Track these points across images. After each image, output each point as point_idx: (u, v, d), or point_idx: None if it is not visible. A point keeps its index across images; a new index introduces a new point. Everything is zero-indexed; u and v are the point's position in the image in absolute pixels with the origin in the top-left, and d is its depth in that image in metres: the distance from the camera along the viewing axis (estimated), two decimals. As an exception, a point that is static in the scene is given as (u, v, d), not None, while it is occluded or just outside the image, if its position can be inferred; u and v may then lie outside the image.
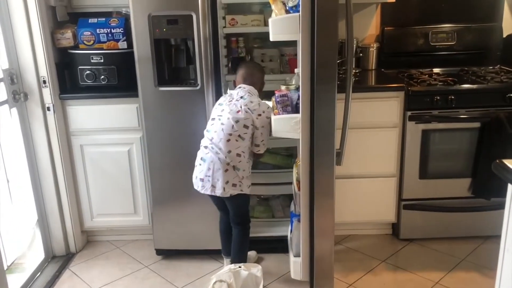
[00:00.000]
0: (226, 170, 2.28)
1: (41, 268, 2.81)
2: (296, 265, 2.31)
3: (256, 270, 2.17)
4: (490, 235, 2.94)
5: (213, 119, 2.35)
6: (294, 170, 2.43)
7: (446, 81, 2.81)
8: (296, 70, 2.37)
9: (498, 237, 2.87)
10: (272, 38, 2.12)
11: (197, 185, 2.37)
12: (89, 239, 3.12)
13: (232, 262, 2.45)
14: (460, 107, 2.72)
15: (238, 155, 2.28)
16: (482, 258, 2.77)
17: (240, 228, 2.48)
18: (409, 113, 2.75)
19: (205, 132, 2.37)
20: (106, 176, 2.89)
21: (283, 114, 2.16)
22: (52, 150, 2.79)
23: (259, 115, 2.30)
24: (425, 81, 2.84)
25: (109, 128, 2.82)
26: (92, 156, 2.87)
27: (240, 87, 2.41)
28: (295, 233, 2.33)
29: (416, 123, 2.76)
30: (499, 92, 2.71)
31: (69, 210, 2.90)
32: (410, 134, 2.78)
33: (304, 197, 2.20)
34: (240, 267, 2.18)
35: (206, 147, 2.32)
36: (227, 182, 2.29)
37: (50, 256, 2.94)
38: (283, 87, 2.22)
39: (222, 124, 2.28)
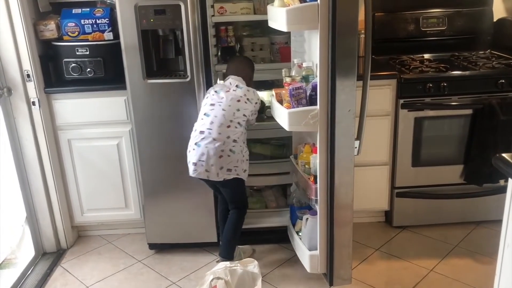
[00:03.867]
0: (221, 156, 2.29)
1: (31, 265, 2.76)
2: (313, 259, 2.29)
3: (253, 266, 2.13)
4: (481, 220, 2.96)
5: (213, 104, 2.35)
6: (299, 162, 2.39)
7: (438, 67, 2.78)
8: (295, 61, 2.33)
9: (490, 222, 2.93)
10: (287, 28, 2.09)
11: (190, 169, 2.36)
12: (80, 234, 3.07)
13: (222, 241, 2.50)
14: (452, 94, 2.71)
15: (235, 140, 2.32)
16: (474, 243, 2.79)
17: (236, 211, 2.51)
18: (401, 101, 2.73)
19: (203, 116, 2.36)
20: (96, 170, 2.83)
21: (298, 107, 2.11)
22: (39, 145, 2.72)
23: (256, 103, 2.43)
24: (417, 68, 2.81)
25: (97, 122, 2.75)
26: (81, 151, 2.80)
27: (231, 77, 2.44)
28: (308, 227, 2.31)
29: (408, 111, 2.74)
30: (491, 78, 2.70)
31: (59, 205, 2.84)
32: (403, 122, 2.76)
33: (322, 191, 2.19)
34: (237, 264, 2.15)
35: (202, 132, 2.32)
36: (221, 168, 2.31)
37: (41, 253, 2.89)
38: (288, 79, 2.17)
39: (223, 110, 2.32)
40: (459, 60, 2.98)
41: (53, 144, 2.77)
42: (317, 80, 2.08)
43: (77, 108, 2.72)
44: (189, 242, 2.82)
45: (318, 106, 2.06)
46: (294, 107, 2.11)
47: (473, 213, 2.94)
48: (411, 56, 3.07)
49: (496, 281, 1.48)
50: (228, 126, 2.31)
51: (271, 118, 2.94)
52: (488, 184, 2.84)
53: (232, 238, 2.50)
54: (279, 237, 2.83)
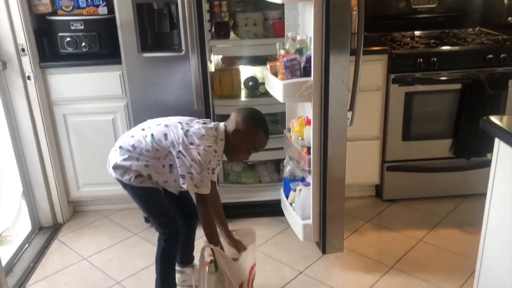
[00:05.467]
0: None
1: (28, 239, 2.80)
2: (306, 228, 2.35)
3: (250, 234, 2.18)
4: (469, 194, 3.04)
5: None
6: (293, 135, 2.44)
7: (428, 43, 2.84)
8: (289, 34, 2.36)
9: (477, 195, 3.02)
10: (281, 0, 2.16)
11: None
12: (76, 209, 3.11)
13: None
14: (442, 69, 2.76)
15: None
16: (462, 215, 2.87)
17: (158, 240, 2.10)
18: (392, 76, 2.78)
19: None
20: (91, 145, 2.86)
21: (292, 78, 2.14)
22: (35, 120, 2.73)
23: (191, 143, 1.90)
24: (407, 44, 2.87)
25: (92, 97, 2.77)
26: (76, 126, 2.83)
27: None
28: (301, 197, 2.36)
29: (399, 85, 2.79)
30: (479, 53, 2.75)
31: (55, 180, 2.87)
32: (394, 97, 2.81)
33: (316, 161, 2.23)
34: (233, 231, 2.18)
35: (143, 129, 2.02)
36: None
37: (37, 227, 2.92)
38: (282, 52, 2.21)
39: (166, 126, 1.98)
40: (449, 37, 3.04)
41: (48, 119, 2.79)
42: (311, 52, 2.12)
43: (72, 83, 2.74)
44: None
45: (312, 78, 2.10)
46: (288, 79, 2.15)
47: (461, 186, 3.02)
48: (402, 33, 3.13)
49: (481, 238, 1.55)
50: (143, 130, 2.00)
51: (265, 94, 2.99)
52: (476, 158, 2.92)
53: (158, 274, 2.10)
54: (273, 210, 2.89)
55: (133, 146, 1.97)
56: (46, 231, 2.89)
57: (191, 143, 1.90)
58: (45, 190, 2.87)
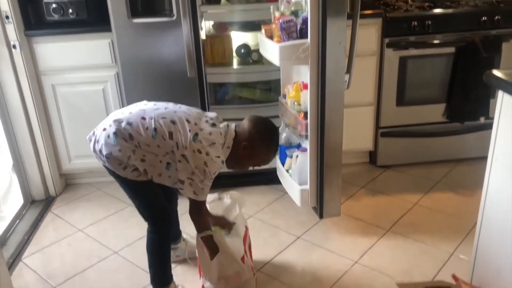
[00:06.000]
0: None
1: (21, 213, 2.75)
2: (304, 193, 2.34)
3: (239, 198, 2.14)
4: (462, 158, 3.07)
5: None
6: (288, 101, 2.40)
7: (422, 6, 2.81)
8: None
9: (470, 159, 3.04)
10: None
11: None
12: (68, 182, 3.06)
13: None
14: (436, 32, 2.74)
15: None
16: (456, 179, 2.90)
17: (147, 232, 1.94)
18: (387, 40, 2.75)
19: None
20: (81, 116, 2.80)
21: (288, 40, 2.09)
22: (22, 91, 2.66)
23: (199, 167, 1.72)
24: (401, 7, 2.83)
25: (81, 66, 2.70)
26: (65, 96, 2.76)
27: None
28: (298, 163, 2.34)
29: (393, 50, 2.77)
30: (474, 16, 2.74)
31: (46, 153, 2.82)
32: (388, 62, 2.79)
33: (313, 125, 2.21)
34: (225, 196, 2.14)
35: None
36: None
37: (29, 201, 2.88)
38: (277, 14, 2.16)
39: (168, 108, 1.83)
40: (442, 0, 3.01)
41: (36, 89, 2.71)
42: (307, 13, 2.07)
43: (60, 52, 2.66)
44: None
45: (309, 39, 2.06)
46: (284, 41, 2.11)
47: (454, 151, 3.04)
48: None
49: (483, 191, 1.55)
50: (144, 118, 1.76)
51: (257, 62, 2.95)
52: (469, 122, 2.93)
53: (150, 263, 1.96)
54: (268, 179, 2.89)
55: (130, 135, 1.72)
56: (39, 205, 2.85)
57: (199, 151, 1.70)
58: (36, 163, 2.81)
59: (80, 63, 2.69)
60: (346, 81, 2.17)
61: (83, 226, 2.60)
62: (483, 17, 2.72)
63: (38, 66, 2.68)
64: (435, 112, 2.93)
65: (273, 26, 2.19)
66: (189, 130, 1.73)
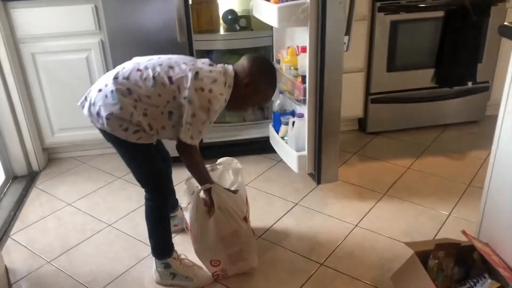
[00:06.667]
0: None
1: (3, 189, 2.63)
2: (301, 159, 2.31)
3: (234, 163, 2.07)
4: (450, 123, 3.11)
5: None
6: (283, 66, 2.35)
7: (413, -31, 2.78)
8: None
9: (458, 124, 3.08)
10: None
11: None
12: (51, 157, 2.94)
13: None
14: (427, -5, 2.73)
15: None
16: (445, 143, 2.93)
17: (145, 201, 1.87)
18: (378, 4, 2.72)
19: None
20: (64, 87, 2.67)
21: (287, 1, 2.03)
22: (0, 60, 2.51)
23: (193, 102, 1.64)
24: (391, -30, 2.80)
25: (62, 33, 2.56)
26: (46, 66, 2.62)
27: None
28: (295, 129, 2.31)
29: (385, 14, 2.74)
30: (464, -21, 2.73)
31: (27, 126, 2.68)
32: (379, 26, 2.77)
33: (312, 89, 2.17)
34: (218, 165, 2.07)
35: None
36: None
37: (11, 176, 2.75)
38: None
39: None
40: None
41: (15, 59, 2.57)
42: (306, -28, 2.01)
43: (39, 18, 2.51)
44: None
45: (308, 0, 2.00)
46: (283, 2, 2.04)
47: (443, 116, 3.08)
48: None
49: (494, 145, 1.55)
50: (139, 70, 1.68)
51: (245, 28, 2.88)
52: (457, 88, 2.96)
53: (150, 234, 1.89)
54: (260, 148, 2.86)
55: (128, 90, 1.63)
56: (22, 180, 2.73)
57: (202, 89, 1.63)
58: (17, 137, 2.68)
59: (61, 30, 2.55)
60: (345, 43, 2.13)
61: (72, 200, 2.50)
62: (473, -20, 2.72)
63: (16, 33, 2.53)
64: (424, 78, 2.94)
65: (270, -14, 2.12)
66: (189, 70, 1.66)
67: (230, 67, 1.77)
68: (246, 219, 1.88)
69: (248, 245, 1.86)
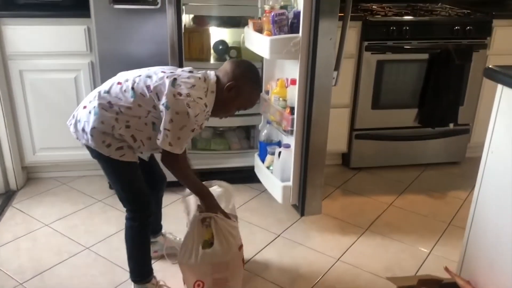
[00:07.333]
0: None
1: (-22, 207, 2.56)
2: (286, 190, 2.32)
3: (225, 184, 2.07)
4: (431, 162, 3.16)
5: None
6: (272, 97, 2.38)
7: (400, 13, 2.89)
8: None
9: (438, 164, 3.13)
10: None
11: None
12: (30, 176, 2.88)
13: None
14: (413, 38, 2.82)
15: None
16: (426, 182, 2.98)
17: (126, 220, 1.85)
18: (365, 43, 2.80)
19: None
20: (50, 106, 2.65)
21: (279, 34, 2.07)
22: (-13, 75, 2.49)
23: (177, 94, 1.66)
24: (379, 13, 2.90)
25: (52, 52, 2.56)
26: (34, 84, 2.60)
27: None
28: (281, 159, 2.32)
29: (372, 53, 2.82)
30: (448, 25, 2.84)
31: (8, 143, 2.63)
32: (366, 65, 2.84)
33: (299, 121, 2.20)
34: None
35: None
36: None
37: (-13, 194, 2.68)
38: (267, 7, 2.14)
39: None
40: (415, 9, 3.11)
41: (2, 75, 2.54)
42: (298, 8, 2.07)
43: (30, 36, 2.51)
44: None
45: (300, 33, 2.05)
46: (275, 34, 2.09)
47: (423, 155, 3.13)
48: (372, 4, 3.15)
49: (477, 183, 1.58)
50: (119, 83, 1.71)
51: (236, 58, 2.91)
52: (439, 128, 3.03)
53: (129, 255, 1.86)
54: (244, 177, 2.85)
55: (109, 103, 1.66)
56: (-2, 198, 2.66)
57: (179, 93, 1.63)
58: (-3, 154, 2.63)
59: (51, 49, 2.55)
60: (334, 78, 2.18)
61: (50, 221, 2.44)
62: (456, 27, 2.83)
63: (5, 49, 2.51)
64: (408, 117, 3.01)
65: (263, 19, 2.17)
66: (167, 77, 1.67)
67: (211, 73, 1.79)
68: (241, 248, 1.86)
69: (236, 275, 1.84)
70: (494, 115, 1.49)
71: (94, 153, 1.72)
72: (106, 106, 1.66)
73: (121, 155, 1.69)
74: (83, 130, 1.69)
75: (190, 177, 1.80)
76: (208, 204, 1.81)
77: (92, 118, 1.66)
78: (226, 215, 1.83)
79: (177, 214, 1.88)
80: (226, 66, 1.82)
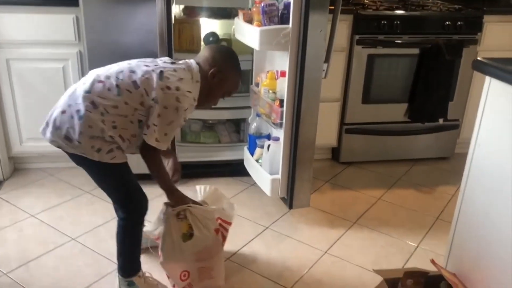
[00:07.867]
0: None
1: (-37, 197, 2.52)
2: (274, 183, 2.31)
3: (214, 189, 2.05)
4: (420, 158, 3.17)
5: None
6: (262, 89, 2.36)
7: (391, 7, 2.88)
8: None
9: (427, 159, 3.14)
10: None
11: None
12: (17, 167, 2.85)
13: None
14: (404, 33, 2.82)
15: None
16: (415, 177, 2.98)
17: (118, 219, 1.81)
18: (356, 37, 2.79)
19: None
20: (37, 95, 2.61)
21: (270, 25, 2.06)
22: (-27, 63, 2.45)
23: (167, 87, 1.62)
24: (371, 7, 2.89)
25: (40, 41, 2.52)
26: (21, 73, 2.57)
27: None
28: (270, 152, 2.31)
29: (362, 47, 2.81)
30: (439, 20, 2.84)
31: (-5, 133, 2.60)
32: (357, 59, 2.83)
33: (289, 113, 2.19)
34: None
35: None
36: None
37: (-27, 184, 2.65)
38: None
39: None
40: (407, 4, 3.11)
41: (-12, 63, 2.51)
42: (288, -1, 2.06)
43: (18, 24, 2.47)
44: (139, 173, 2.70)
45: (290, 24, 2.04)
46: (265, 25, 2.08)
47: (413, 150, 3.14)
48: (363, -2, 3.16)
49: (464, 177, 1.59)
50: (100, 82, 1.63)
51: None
52: (428, 124, 3.03)
53: (120, 252, 1.82)
54: (233, 170, 2.84)
55: (93, 103, 1.56)
56: (-17, 189, 2.63)
57: (168, 87, 1.59)
58: (-18, 144, 2.59)
59: (39, 38, 2.51)
60: (324, 70, 2.17)
61: (36, 212, 2.41)
62: (447, 22, 2.83)
63: (-8, 38, 2.48)
64: (398, 112, 3.01)
65: (254, 10, 2.16)
66: (152, 70, 1.62)
67: (192, 62, 1.75)
68: (217, 231, 1.85)
69: (218, 263, 1.83)
70: (482, 108, 1.49)
71: (81, 159, 1.63)
72: (90, 107, 1.57)
73: (112, 158, 1.62)
74: (67, 137, 1.59)
75: (162, 171, 1.76)
76: (177, 197, 1.77)
77: (77, 123, 1.56)
78: (196, 202, 1.82)
79: (160, 207, 1.87)
80: (205, 52, 1.78)
